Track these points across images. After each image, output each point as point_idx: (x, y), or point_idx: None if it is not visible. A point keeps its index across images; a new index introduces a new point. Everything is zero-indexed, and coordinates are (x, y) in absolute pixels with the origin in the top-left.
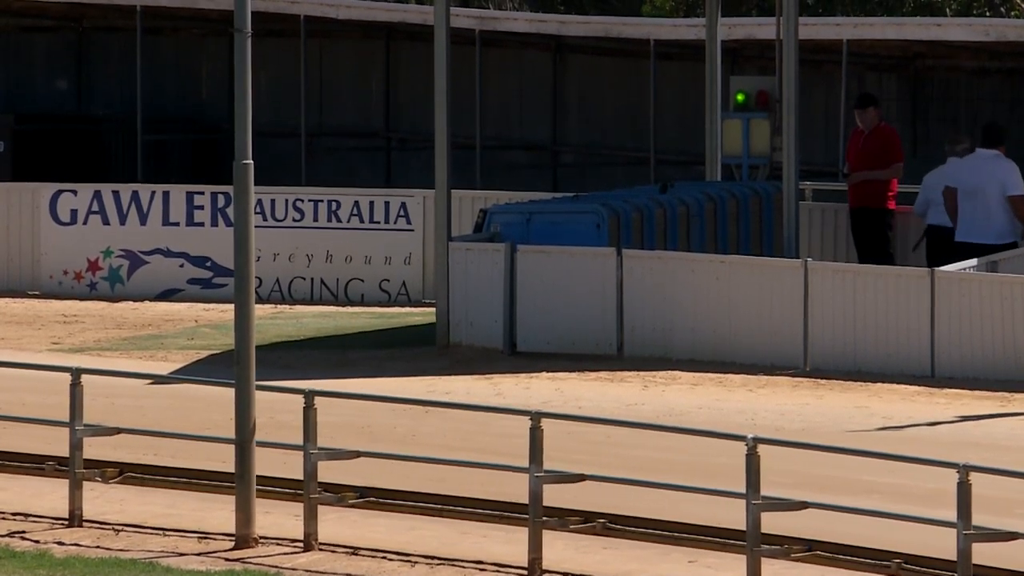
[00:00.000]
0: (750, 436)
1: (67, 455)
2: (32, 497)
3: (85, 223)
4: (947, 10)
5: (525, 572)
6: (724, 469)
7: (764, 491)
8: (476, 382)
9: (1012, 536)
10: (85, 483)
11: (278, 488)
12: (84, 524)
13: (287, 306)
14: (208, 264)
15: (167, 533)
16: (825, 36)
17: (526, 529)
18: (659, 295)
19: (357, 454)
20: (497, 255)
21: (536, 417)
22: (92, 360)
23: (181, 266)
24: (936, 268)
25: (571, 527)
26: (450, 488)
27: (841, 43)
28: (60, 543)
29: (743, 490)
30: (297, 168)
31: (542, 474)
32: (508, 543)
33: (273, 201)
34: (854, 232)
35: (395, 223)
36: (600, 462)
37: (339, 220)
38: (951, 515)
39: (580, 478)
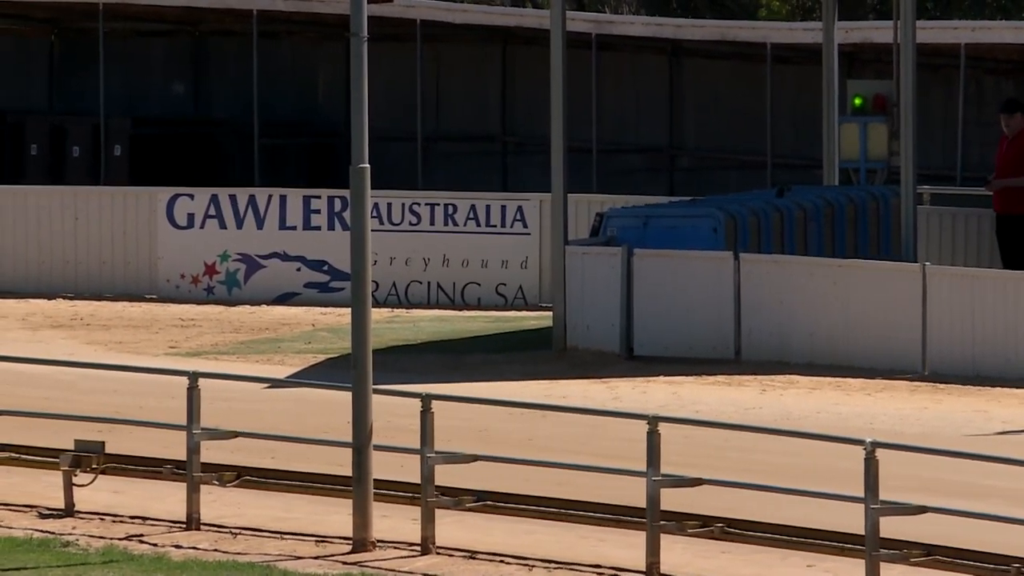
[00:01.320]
0: (868, 440)
1: (185, 459)
2: (150, 500)
3: (202, 227)
4: None
5: None
6: (842, 473)
7: (882, 495)
8: (593, 386)
9: None
10: (203, 486)
11: (395, 492)
12: (202, 527)
13: (404, 310)
14: (325, 268)
15: (284, 536)
16: (942, 40)
17: (643, 533)
18: (776, 299)
19: (474, 458)
20: (614, 259)
21: (653, 421)
22: (209, 364)
23: (298, 270)
24: None
25: (689, 531)
26: (567, 492)
27: (959, 47)
28: (178, 546)
29: (861, 494)
30: (413, 172)
31: (660, 478)
32: (626, 547)
33: (390, 205)
34: (998, 237)
35: (512, 227)
36: (717, 466)
37: (456, 224)
38: None
39: (698, 482)
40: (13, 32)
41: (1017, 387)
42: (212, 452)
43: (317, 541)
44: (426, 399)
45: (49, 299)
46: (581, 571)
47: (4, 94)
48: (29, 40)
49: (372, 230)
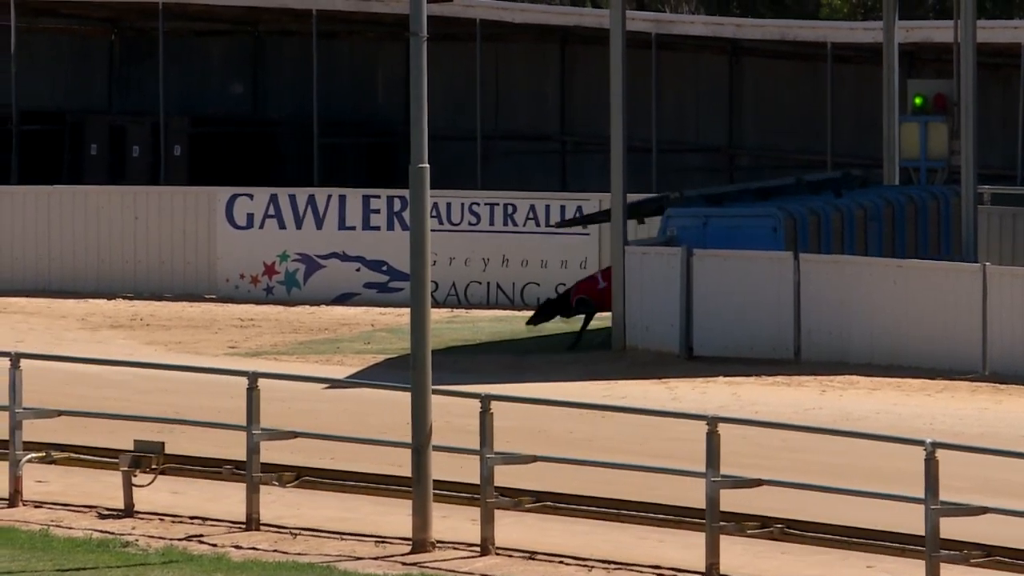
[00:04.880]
0: (928, 441)
1: (244, 459)
2: (209, 501)
3: (261, 227)
4: None
5: None
6: (902, 474)
7: (943, 496)
8: (652, 386)
9: None
10: (262, 487)
11: (455, 492)
12: (261, 528)
13: (463, 310)
14: (384, 268)
15: (344, 537)
16: (1003, 39)
17: (703, 534)
18: (836, 299)
19: (533, 459)
20: (673, 259)
21: (713, 422)
22: (268, 364)
23: (357, 270)
24: None
25: (748, 532)
26: (626, 492)
27: (1019, 46)
28: (237, 547)
29: (922, 495)
30: (472, 172)
31: (719, 479)
32: (685, 548)
33: (449, 205)
34: None
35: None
36: (777, 467)
37: (515, 224)
38: None
39: (757, 483)
40: (73, 32)
41: None
42: (271, 452)
43: (377, 542)
44: (485, 399)
45: (109, 299)
46: (640, 572)
47: (64, 94)
48: (89, 40)
49: (431, 230)
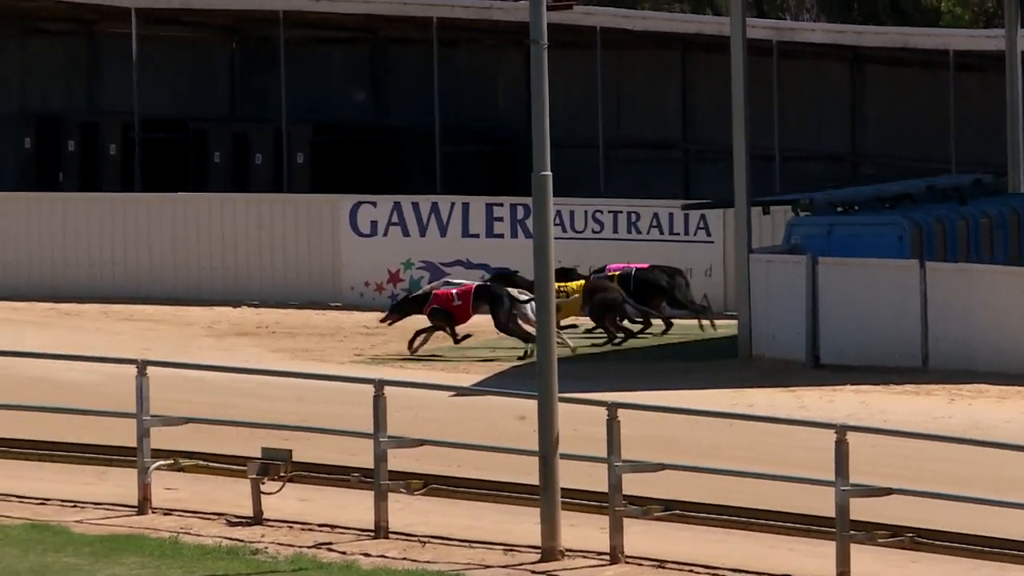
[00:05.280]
0: None
1: (371, 467)
2: (337, 508)
3: (385, 234)
4: None
5: None
6: None
7: None
8: (779, 394)
9: None
10: (390, 495)
11: (582, 500)
12: (390, 536)
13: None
14: None
15: (473, 545)
16: None
17: (833, 543)
18: (963, 307)
19: (661, 467)
20: (798, 267)
21: (842, 430)
22: (394, 372)
23: (482, 278)
24: None
25: (879, 541)
26: (754, 501)
27: None
28: (366, 554)
29: None
30: (595, 179)
31: (849, 488)
32: (815, 556)
33: (572, 213)
34: None
35: (695, 235)
36: (906, 475)
37: (638, 232)
38: None
39: (887, 492)
40: (194, 40)
41: None
42: (398, 460)
43: (505, 550)
44: (612, 407)
45: (234, 307)
46: None
47: (187, 102)
48: (210, 48)
49: (555, 238)
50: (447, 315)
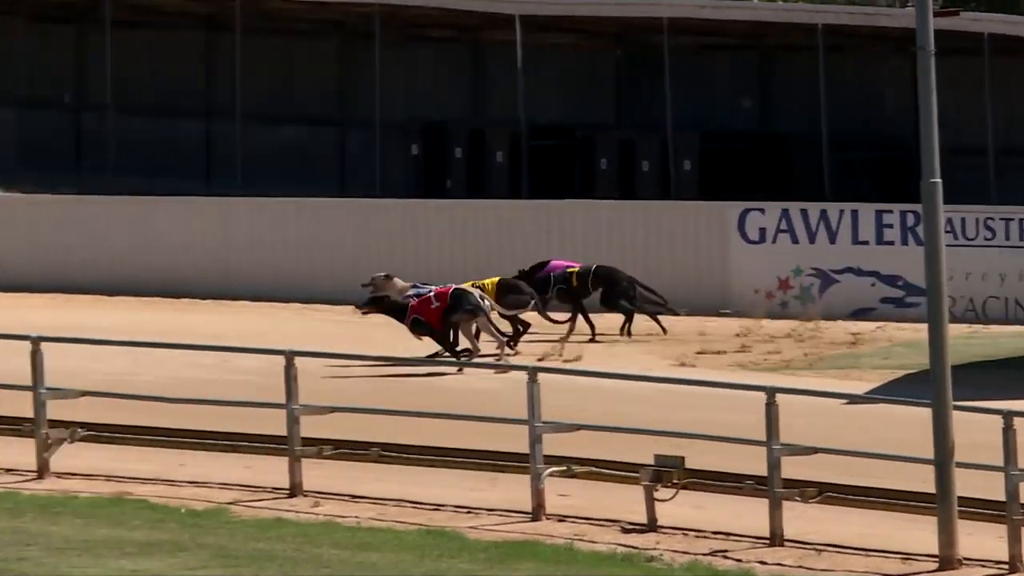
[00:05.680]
0: None
1: (764, 474)
2: (730, 516)
3: (774, 241)
4: None
5: None
6: None
7: None
8: None
9: None
10: (784, 502)
11: (979, 509)
12: (785, 543)
13: (982, 326)
14: (900, 283)
15: (868, 553)
16: None
17: None
18: None
19: None
20: None
21: None
22: (785, 379)
23: (872, 285)
24: None
25: None
26: None
27: None
28: (762, 562)
29: None
30: (984, 187)
31: None
32: None
33: (963, 220)
34: None
35: None
36: None
37: None
38: None
39: None
40: (579, 47)
41: None
42: (791, 468)
43: (902, 558)
44: (1008, 416)
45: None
46: None
47: (572, 109)
48: (595, 55)
49: (946, 245)
50: (428, 327)
